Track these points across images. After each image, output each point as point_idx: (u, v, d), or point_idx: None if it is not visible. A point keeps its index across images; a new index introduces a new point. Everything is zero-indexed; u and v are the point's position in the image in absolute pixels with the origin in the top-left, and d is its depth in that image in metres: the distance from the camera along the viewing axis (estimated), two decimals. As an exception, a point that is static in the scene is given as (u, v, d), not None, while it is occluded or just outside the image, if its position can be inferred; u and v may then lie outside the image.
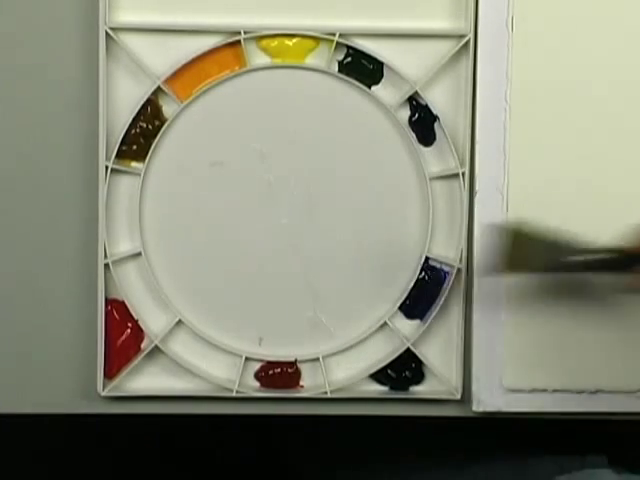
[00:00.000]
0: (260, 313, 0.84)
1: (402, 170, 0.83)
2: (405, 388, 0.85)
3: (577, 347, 0.83)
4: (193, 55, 0.81)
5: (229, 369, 0.84)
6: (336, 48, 0.81)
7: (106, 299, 0.83)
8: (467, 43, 0.81)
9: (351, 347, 0.84)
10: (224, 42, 0.81)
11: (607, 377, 0.83)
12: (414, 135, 0.83)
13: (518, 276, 0.79)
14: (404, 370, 0.85)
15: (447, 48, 0.82)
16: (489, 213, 0.82)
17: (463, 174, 0.82)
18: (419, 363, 0.84)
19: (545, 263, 0.77)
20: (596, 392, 0.84)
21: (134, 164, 0.82)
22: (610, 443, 0.89)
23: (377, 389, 0.85)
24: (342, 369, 0.85)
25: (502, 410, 0.84)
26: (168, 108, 0.82)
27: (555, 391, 0.83)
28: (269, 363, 0.84)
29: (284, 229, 0.83)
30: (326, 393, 0.84)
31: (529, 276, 0.79)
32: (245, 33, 0.81)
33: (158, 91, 0.81)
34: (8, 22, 0.82)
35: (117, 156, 0.81)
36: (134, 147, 0.82)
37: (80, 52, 0.82)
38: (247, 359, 0.84)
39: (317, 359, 0.84)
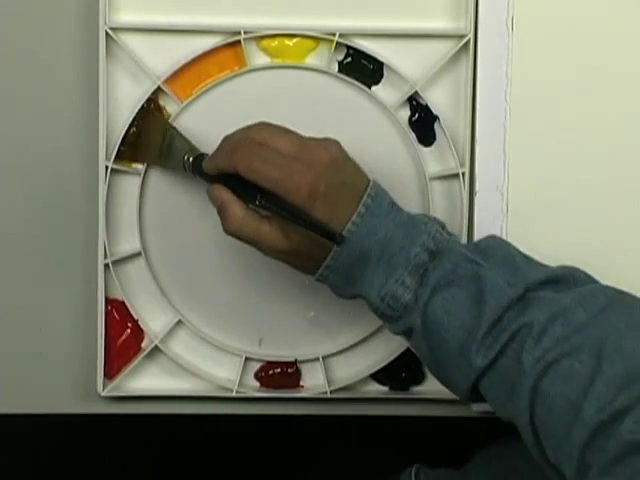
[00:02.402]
0: (260, 313, 0.84)
1: (402, 170, 0.83)
2: (405, 388, 0.85)
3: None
4: (193, 55, 0.81)
5: (229, 369, 0.84)
6: (336, 48, 0.81)
7: (106, 299, 0.83)
8: (467, 43, 0.81)
9: (351, 347, 0.84)
10: (224, 42, 0.81)
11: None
12: (414, 135, 0.83)
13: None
14: (404, 370, 0.85)
15: (447, 48, 0.82)
16: (489, 213, 0.82)
17: (463, 174, 0.82)
18: (419, 363, 0.84)
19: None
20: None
21: (134, 164, 0.82)
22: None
23: (377, 389, 0.85)
24: (342, 369, 0.85)
25: (502, 410, 0.83)
26: (168, 108, 0.82)
27: (555, 391, 0.83)
28: (269, 363, 0.84)
29: (284, 229, 0.83)
30: (326, 393, 0.83)
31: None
32: (245, 33, 0.81)
33: (158, 91, 0.81)
34: (8, 22, 0.82)
35: (117, 156, 0.81)
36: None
37: (80, 52, 0.82)
38: (247, 359, 0.84)
39: (317, 359, 0.84)
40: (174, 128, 0.80)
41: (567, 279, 0.71)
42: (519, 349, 0.68)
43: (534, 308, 0.68)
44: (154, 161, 0.81)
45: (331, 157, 0.73)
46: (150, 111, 0.81)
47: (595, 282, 0.72)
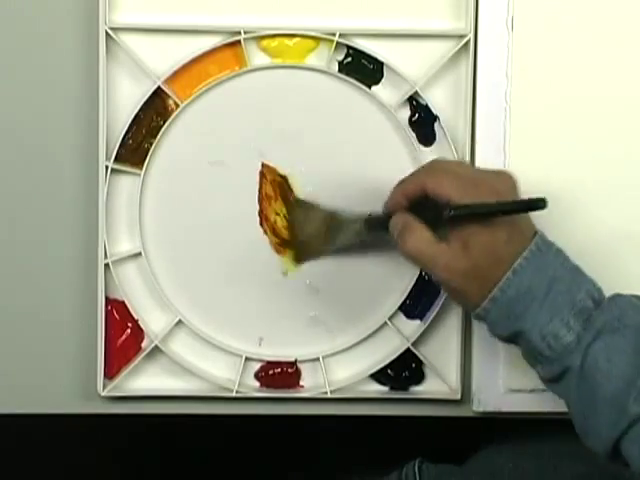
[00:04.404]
0: (260, 313, 0.84)
1: (402, 170, 0.83)
2: (405, 388, 0.85)
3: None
4: (193, 55, 0.81)
5: (229, 369, 0.84)
6: (336, 48, 0.81)
7: (106, 299, 0.83)
8: (467, 43, 0.81)
9: (351, 347, 0.84)
10: (224, 42, 0.81)
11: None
12: (414, 135, 0.83)
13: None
14: (404, 370, 0.85)
15: (447, 48, 0.82)
16: (489, 213, 0.82)
17: (463, 174, 0.82)
18: (419, 363, 0.84)
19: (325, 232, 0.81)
20: (596, 392, 0.83)
21: (134, 165, 0.82)
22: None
23: (377, 389, 0.85)
24: (342, 369, 0.85)
25: (502, 410, 0.83)
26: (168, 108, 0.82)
27: (555, 391, 0.83)
28: (269, 363, 0.84)
29: (284, 229, 0.83)
30: (326, 393, 0.83)
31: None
32: (245, 33, 0.81)
33: (158, 91, 0.81)
34: (8, 22, 0.82)
35: (117, 156, 0.81)
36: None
37: (80, 52, 0.82)
38: (247, 359, 0.84)
39: (317, 359, 0.84)
40: (333, 212, 0.81)
41: None
42: None
43: None
44: (322, 252, 0.82)
45: (513, 185, 0.74)
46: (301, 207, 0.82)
47: None
